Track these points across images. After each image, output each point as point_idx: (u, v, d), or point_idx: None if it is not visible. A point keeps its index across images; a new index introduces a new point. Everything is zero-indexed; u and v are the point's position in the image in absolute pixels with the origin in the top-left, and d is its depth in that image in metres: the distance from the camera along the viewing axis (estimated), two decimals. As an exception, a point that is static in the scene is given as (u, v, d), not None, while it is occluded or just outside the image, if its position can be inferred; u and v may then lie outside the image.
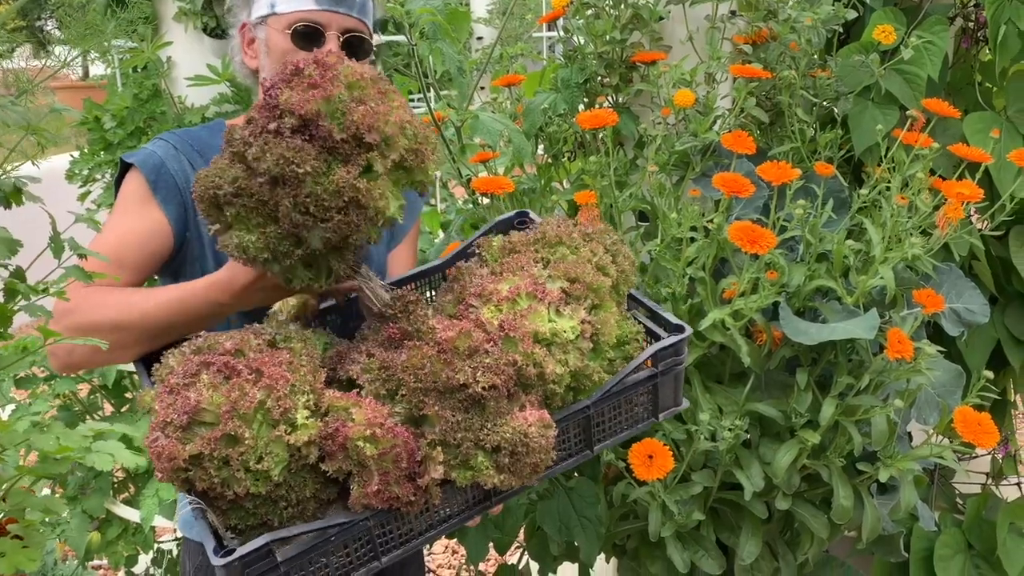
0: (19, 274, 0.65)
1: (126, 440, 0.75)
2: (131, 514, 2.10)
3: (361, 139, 0.93)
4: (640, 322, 1.14)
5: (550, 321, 1.01)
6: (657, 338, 1.11)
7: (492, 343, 0.95)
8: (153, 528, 2.12)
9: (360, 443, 0.86)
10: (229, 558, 0.82)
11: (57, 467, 0.60)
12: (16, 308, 0.64)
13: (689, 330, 1.10)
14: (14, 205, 0.68)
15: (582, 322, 1.02)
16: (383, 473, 0.87)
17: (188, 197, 1.35)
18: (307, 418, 0.88)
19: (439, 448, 0.91)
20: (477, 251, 1.18)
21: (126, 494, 2.17)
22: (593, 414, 1.05)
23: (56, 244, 0.67)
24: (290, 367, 0.91)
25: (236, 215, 0.94)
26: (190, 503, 0.86)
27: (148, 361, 1.12)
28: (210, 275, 1.18)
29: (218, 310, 1.15)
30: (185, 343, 0.97)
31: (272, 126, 0.92)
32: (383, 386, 0.95)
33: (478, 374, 0.91)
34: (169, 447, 0.82)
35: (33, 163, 0.72)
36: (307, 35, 1.32)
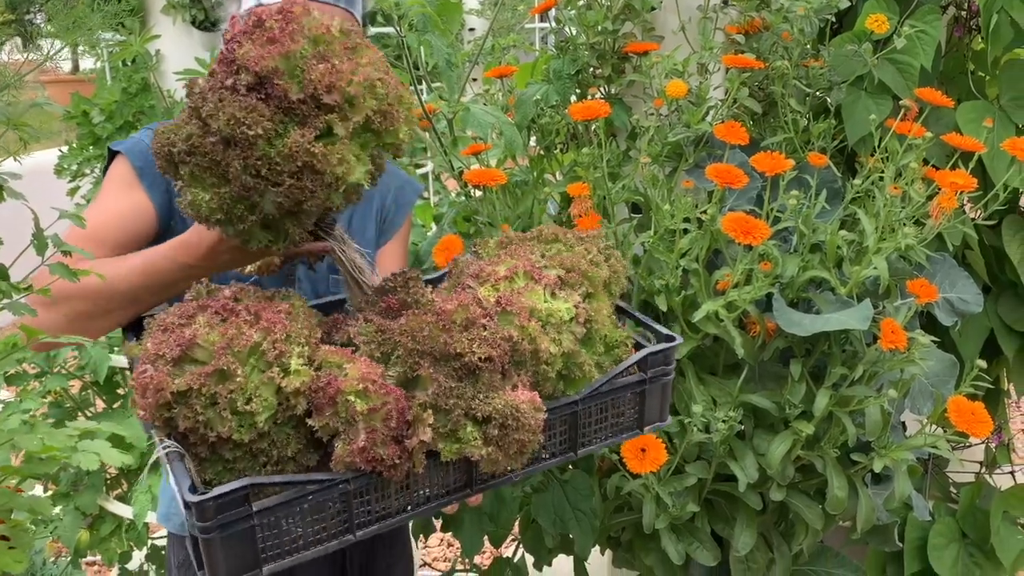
0: (2, 272, 0.64)
1: (115, 439, 0.74)
2: (124, 511, 2.09)
3: (319, 100, 0.88)
4: (632, 335, 1.15)
5: (546, 301, 1.02)
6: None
7: (489, 318, 0.95)
8: (147, 524, 2.11)
9: (351, 397, 0.85)
10: (204, 496, 0.79)
11: (43, 467, 0.59)
12: (0, 306, 0.63)
13: (679, 339, 1.11)
14: (-4, 202, 0.68)
15: (576, 305, 1.03)
16: (371, 431, 0.85)
17: (173, 185, 1.34)
18: (301, 365, 0.88)
19: (429, 411, 0.90)
20: (475, 250, 1.19)
21: (119, 490, 2.16)
22: (581, 412, 1.04)
23: (39, 241, 0.66)
24: (288, 316, 0.92)
25: (190, 173, 0.91)
26: (165, 448, 0.84)
27: (137, 334, 1.11)
28: (177, 236, 1.15)
29: (187, 272, 1.12)
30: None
31: (229, 82, 0.88)
32: (378, 348, 0.95)
33: (474, 345, 0.91)
34: (158, 378, 0.81)
35: (15, 159, 0.71)
36: None
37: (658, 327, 1.13)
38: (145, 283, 1.13)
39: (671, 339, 1.10)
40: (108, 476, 2.10)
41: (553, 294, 1.03)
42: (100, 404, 2.21)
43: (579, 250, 1.12)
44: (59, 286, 1.11)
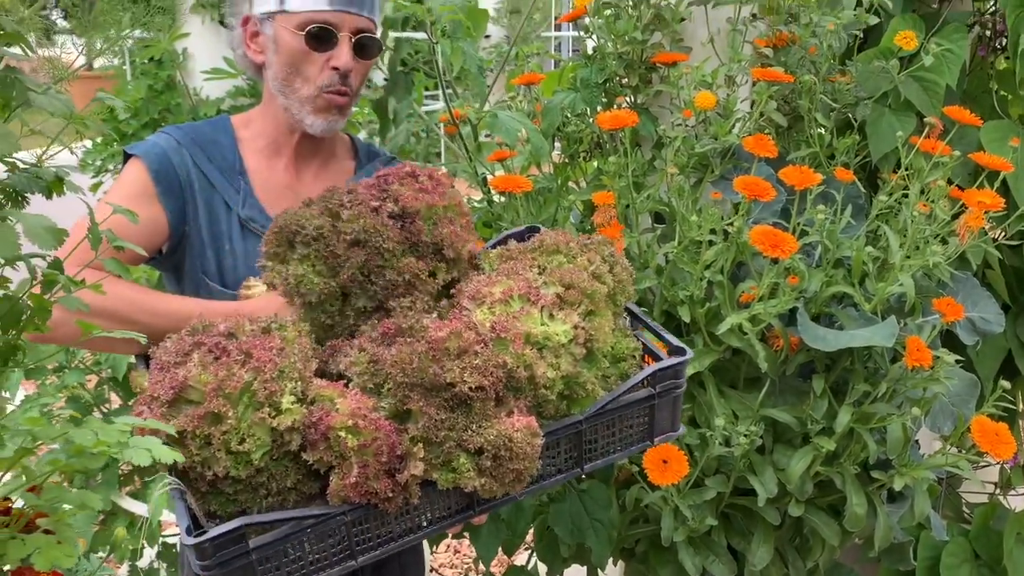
0: (57, 264, 0.64)
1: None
2: (138, 507, 2.09)
3: (440, 249, 1.09)
4: (642, 342, 1.13)
5: (542, 324, 1.00)
6: (657, 359, 1.10)
7: (483, 344, 0.94)
8: (160, 522, 2.11)
9: (342, 433, 0.86)
10: (201, 538, 0.81)
11: (93, 462, 0.59)
12: (53, 300, 0.63)
13: (690, 353, 1.09)
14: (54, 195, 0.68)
15: (575, 327, 1.01)
16: (363, 465, 0.86)
17: (188, 191, 1.34)
18: (292, 403, 0.88)
19: (420, 444, 0.90)
20: (476, 260, 1.19)
21: (131, 487, 2.16)
22: (586, 430, 1.03)
23: (94, 234, 0.66)
24: (280, 353, 0.93)
25: (305, 256, 1.05)
26: (167, 486, 0.85)
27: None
28: (235, 303, 1.19)
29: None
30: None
31: (375, 204, 1.07)
32: (371, 380, 0.95)
33: (466, 374, 0.91)
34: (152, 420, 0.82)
35: (71, 151, 0.71)
36: (320, 36, 1.30)
37: (670, 337, 1.11)
38: (170, 327, 1.11)
39: (681, 352, 1.09)
40: (122, 473, 2.10)
41: (551, 315, 1.02)
42: (116, 400, 2.21)
43: (581, 261, 1.10)
44: (114, 308, 1.14)
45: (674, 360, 1.07)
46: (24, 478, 0.70)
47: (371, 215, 1.06)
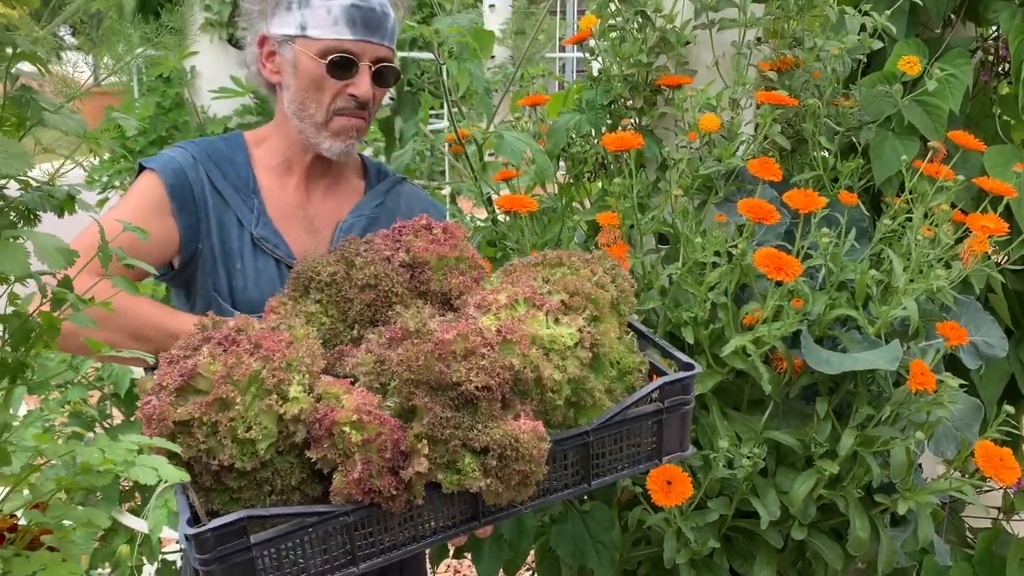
0: (67, 283, 0.65)
1: (170, 455, 0.75)
2: (138, 524, 2.08)
3: (448, 298, 1.13)
4: (650, 360, 1.13)
5: (548, 328, 1.01)
6: (664, 375, 1.10)
7: (489, 347, 0.95)
8: (159, 539, 2.10)
9: (346, 428, 0.86)
10: (201, 528, 0.80)
11: (99, 479, 0.59)
12: (62, 318, 0.63)
13: (698, 368, 1.09)
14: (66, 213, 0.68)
15: (581, 330, 1.01)
16: (366, 462, 0.86)
17: (203, 208, 1.34)
18: (300, 392, 0.89)
19: (425, 441, 0.90)
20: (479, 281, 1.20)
21: (131, 503, 2.15)
22: (593, 442, 1.02)
23: (104, 253, 0.67)
24: (289, 346, 0.94)
25: (319, 300, 1.10)
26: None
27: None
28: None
29: None
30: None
31: (388, 253, 1.13)
32: (376, 379, 0.95)
33: (472, 374, 0.91)
34: (160, 408, 0.84)
35: (83, 168, 0.72)
36: (341, 65, 1.32)
37: (678, 354, 1.11)
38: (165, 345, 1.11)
39: (690, 367, 1.08)
40: (122, 488, 2.09)
41: (556, 320, 1.02)
42: (118, 416, 2.20)
43: (584, 272, 1.11)
44: (126, 323, 1.15)
45: (682, 374, 1.07)
46: (29, 494, 0.70)
47: (383, 263, 1.11)
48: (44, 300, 0.66)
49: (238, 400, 0.85)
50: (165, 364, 0.91)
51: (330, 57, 1.31)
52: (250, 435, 0.85)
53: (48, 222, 0.77)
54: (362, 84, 1.33)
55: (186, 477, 0.64)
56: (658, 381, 1.06)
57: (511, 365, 0.94)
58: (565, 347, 1.00)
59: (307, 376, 0.91)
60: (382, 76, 1.37)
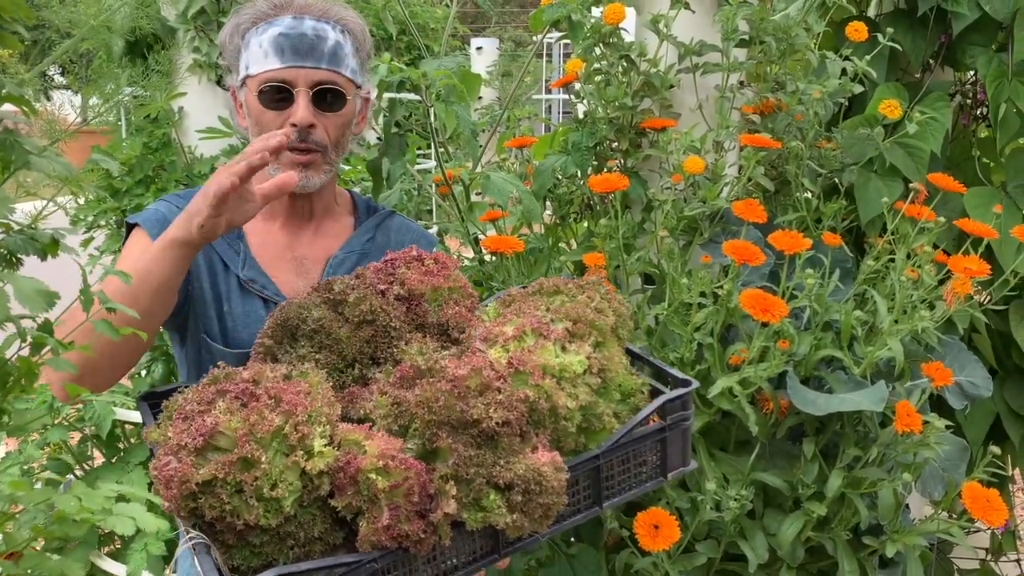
0: (47, 327, 0.64)
1: (149, 505, 0.73)
2: (117, 568, 2.04)
3: (446, 329, 1.12)
4: (647, 381, 1.14)
5: (557, 356, 1.01)
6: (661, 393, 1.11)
7: (503, 380, 0.95)
8: (137, 584, 2.05)
9: (372, 475, 0.84)
10: None
11: (75, 529, 0.58)
12: (41, 362, 0.62)
13: (695, 383, 1.10)
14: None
15: (588, 357, 1.02)
16: (393, 508, 0.85)
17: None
18: (324, 446, 0.87)
19: (452, 482, 0.89)
20: (477, 314, 1.20)
21: (110, 547, 2.11)
22: (603, 465, 1.03)
23: (86, 296, 0.66)
24: (308, 397, 0.92)
25: (308, 346, 1.08)
26: (191, 539, 0.83)
27: (152, 405, 1.11)
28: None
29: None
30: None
31: (382, 287, 1.12)
32: (395, 422, 0.94)
33: (491, 410, 0.91)
34: (182, 470, 0.81)
35: (66, 212, 0.72)
36: (272, 94, 1.31)
37: (673, 371, 1.12)
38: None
39: (687, 383, 1.10)
40: (101, 532, 2.05)
41: (564, 348, 1.03)
42: (99, 457, 2.17)
43: (582, 299, 1.12)
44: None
45: (681, 391, 1.08)
46: (3, 543, 0.68)
47: (378, 297, 1.10)
48: (23, 344, 0.65)
49: (263, 458, 0.84)
50: (180, 420, 0.89)
51: (259, 88, 1.31)
52: (276, 493, 0.83)
53: (29, 264, 0.76)
54: (298, 110, 1.30)
55: (164, 525, 0.62)
56: (659, 399, 1.07)
57: (526, 397, 0.94)
58: (575, 375, 1.00)
59: (328, 427, 0.90)
60: (323, 99, 1.33)
